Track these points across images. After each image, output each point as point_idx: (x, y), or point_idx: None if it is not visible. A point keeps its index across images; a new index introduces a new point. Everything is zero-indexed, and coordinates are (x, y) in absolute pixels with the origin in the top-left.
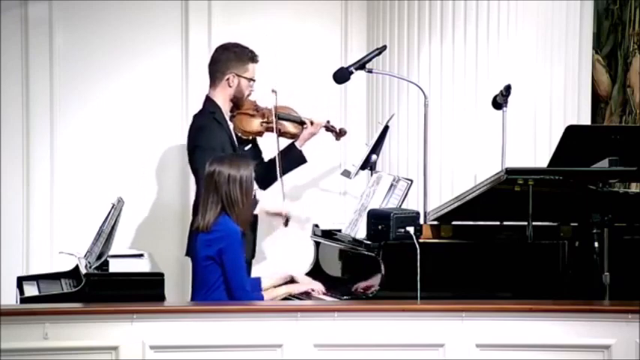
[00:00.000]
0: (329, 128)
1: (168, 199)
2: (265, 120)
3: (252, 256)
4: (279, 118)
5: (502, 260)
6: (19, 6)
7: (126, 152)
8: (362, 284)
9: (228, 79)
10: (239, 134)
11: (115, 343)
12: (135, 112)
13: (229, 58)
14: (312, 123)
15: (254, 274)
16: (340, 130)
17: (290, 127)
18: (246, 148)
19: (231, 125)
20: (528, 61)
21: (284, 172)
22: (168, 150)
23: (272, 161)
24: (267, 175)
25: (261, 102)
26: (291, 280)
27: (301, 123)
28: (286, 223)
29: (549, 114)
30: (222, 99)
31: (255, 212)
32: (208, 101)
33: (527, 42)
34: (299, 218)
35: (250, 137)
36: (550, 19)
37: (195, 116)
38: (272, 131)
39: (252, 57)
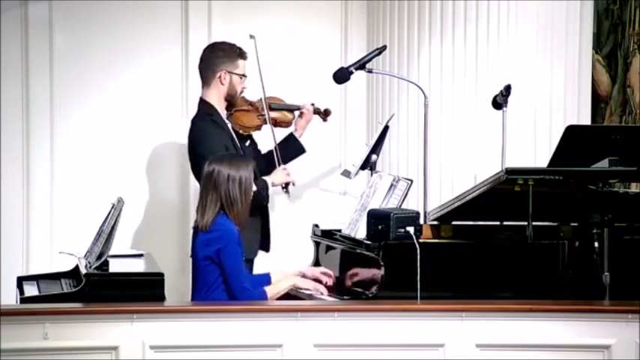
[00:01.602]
0: (315, 111)
1: (168, 200)
2: (260, 113)
3: (257, 252)
4: (271, 108)
5: (502, 260)
6: (19, 6)
7: (126, 152)
8: (362, 284)
9: (220, 76)
10: (239, 131)
11: (115, 343)
12: (135, 112)
13: (218, 55)
14: (305, 108)
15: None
16: (325, 110)
17: (284, 116)
18: (246, 144)
19: (229, 124)
20: (528, 61)
21: (284, 162)
22: (168, 150)
23: (270, 153)
24: (268, 168)
25: (249, 96)
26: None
27: (293, 110)
28: (287, 190)
29: (549, 114)
30: (217, 98)
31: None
32: (203, 104)
33: (527, 42)
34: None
35: (251, 132)
36: (550, 19)
37: (194, 121)
38: (267, 123)
39: (240, 53)
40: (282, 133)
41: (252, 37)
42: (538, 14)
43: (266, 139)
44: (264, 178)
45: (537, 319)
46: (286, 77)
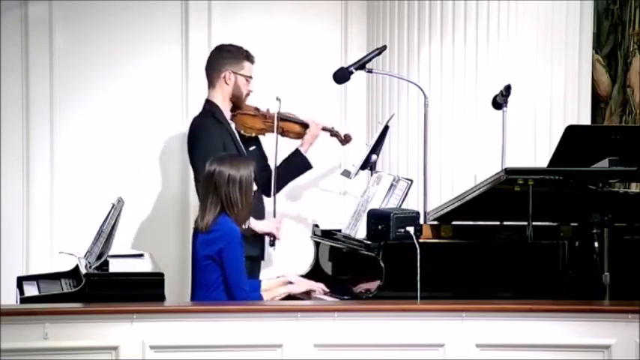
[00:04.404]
0: (333, 133)
1: (168, 200)
2: (268, 120)
3: (262, 256)
4: (281, 118)
5: (502, 260)
6: (19, 6)
7: (126, 152)
8: (362, 284)
9: (224, 76)
10: (241, 131)
11: (115, 343)
12: (135, 112)
13: (224, 56)
14: (313, 125)
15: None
16: (345, 135)
17: (292, 126)
18: (251, 148)
19: (232, 124)
20: (528, 61)
21: (289, 179)
22: (168, 150)
23: (277, 169)
24: (271, 183)
25: (263, 107)
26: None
27: (304, 125)
28: (272, 243)
29: (549, 114)
30: (221, 98)
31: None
32: (207, 103)
33: (527, 42)
34: (301, 220)
35: (253, 134)
36: (550, 19)
37: (195, 118)
38: (273, 131)
39: (247, 55)
40: (287, 144)
41: (278, 99)
42: (538, 14)
43: (272, 153)
44: (252, 221)
45: (537, 319)
46: (286, 78)
